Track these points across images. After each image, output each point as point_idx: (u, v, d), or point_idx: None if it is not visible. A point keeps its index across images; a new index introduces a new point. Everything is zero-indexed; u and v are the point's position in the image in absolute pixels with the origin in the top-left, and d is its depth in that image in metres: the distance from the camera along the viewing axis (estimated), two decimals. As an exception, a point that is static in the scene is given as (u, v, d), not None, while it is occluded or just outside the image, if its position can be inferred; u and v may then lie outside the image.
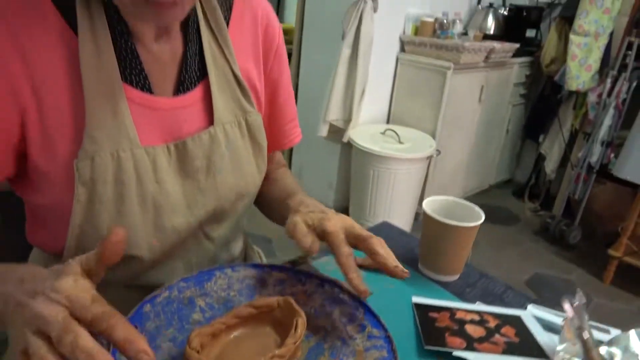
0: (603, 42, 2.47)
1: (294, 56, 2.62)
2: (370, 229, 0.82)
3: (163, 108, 0.57)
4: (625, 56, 2.38)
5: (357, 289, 0.54)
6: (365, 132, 2.40)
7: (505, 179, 3.32)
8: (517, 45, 2.63)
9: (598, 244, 2.34)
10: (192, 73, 0.60)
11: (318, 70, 2.48)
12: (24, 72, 0.49)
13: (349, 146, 2.38)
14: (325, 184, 2.66)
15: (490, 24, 2.79)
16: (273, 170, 0.79)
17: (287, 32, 2.23)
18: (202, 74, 0.61)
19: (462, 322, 0.61)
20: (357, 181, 2.41)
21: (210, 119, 0.61)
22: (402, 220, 2.43)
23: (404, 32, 2.52)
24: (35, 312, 0.37)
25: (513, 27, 2.85)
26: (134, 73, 0.55)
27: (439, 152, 2.42)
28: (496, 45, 2.48)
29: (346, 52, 2.25)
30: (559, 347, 0.52)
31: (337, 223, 0.57)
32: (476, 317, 0.62)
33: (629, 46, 2.36)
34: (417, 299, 0.66)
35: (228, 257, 0.73)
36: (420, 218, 2.64)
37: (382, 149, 2.22)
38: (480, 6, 2.86)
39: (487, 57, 2.49)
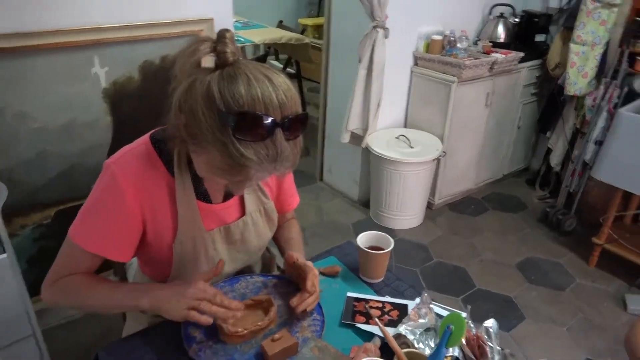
0: (599, 51, 2.73)
1: (322, 73, 3.07)
2: (338, 247, 1.33)
3: (216, 209, 1.07)
4: (619, 63, 2.63)
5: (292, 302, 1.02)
6: (381, 138, 2.84)
7: (522, 167, 3.63)
8: (522, 55, 2.92)
9: (590, 232, 2.67)
10: None
11: (343, 85, 2.92)
12: (147, 202, 0.98)
13: (367, 149, 2.83)
14: (351, 180, 3.14)
15: (500, 33, 3.08)
16: (283, 222, 1.29)
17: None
18: None
19: (370, 307, 1.10)
20: (374, 180, 2.87)
21: (243, 211, 1.12)
22: (414, 210, 2.88)
23: (416, 49, 2.89)
24: (195, 291, 0.90)
25: (523, 33, 3.13)
26: (201, 194, 1.04)
27: (444, 153, 2.82)
28: (499, 57, 2.80)
29: (362, 72, 2.67)
30: (403, 322, 1.00)
31: (309, 263, 1.08)
32: (380, 305, 1.11)
33: (621, 54, 2.61)
34: (350, 294, 1.15)
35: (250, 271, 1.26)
36: (434, 207, 3.08)
37: (393, 154, 2.66)
38: (491, 16, 3.15)
39: (491, 68, 2.82)
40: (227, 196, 1.08)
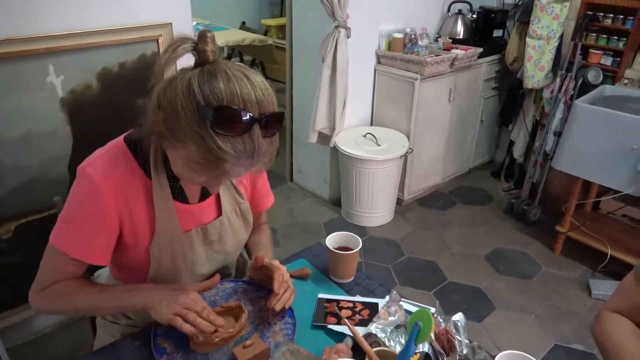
0: (554, 44, 2.82)
1: (287, 74, 3.07)
2: (307, 249, 1.33)
3: (193, 210, 1.06)
4: (573, 56, 2.73)
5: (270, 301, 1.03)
6: (349, 137, 2.86)
7: (487, 160, 3.72)
8: (480, 50, 2.99)
9: (554, 221, 2.76)
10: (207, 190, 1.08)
11: (308, 85, 2.92)
12: (124, 204, 0.95)
13: (336, 148, 2.84)
14: (322, 179, 3.15)
15: (460, 29, 3.15)
16: (256, 224, 1.28)
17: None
18: None
19: (340, 308, 1.10)
20: (344, 178, 2.89)
21: (219, 211, 1.11)
22: (384, 207, 2.91)
23: (378, 47, 2.92)
24: (186, 301, 0.92)
25: (481, 30, 3.20)
26: (178, 194, 1.03)
27: (411, 150, 2.86)
28: (459, 53, 2.86)
29: (326, 72, 2.68)
30: (374, 321, 1.01)
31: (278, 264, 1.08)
32: (350, 305, 1.12)
33: (575, 47, 2.70)
34: (321, 295, 1.15)
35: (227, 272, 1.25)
36: (403, 203, 3.12)
37: (361, 153, 2.68)
38: (450, 13, 3.21)
39: (452, 64, 2.87)
40: (203, 196, 1.08)
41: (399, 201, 3.10)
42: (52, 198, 1.35)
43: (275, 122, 0.83)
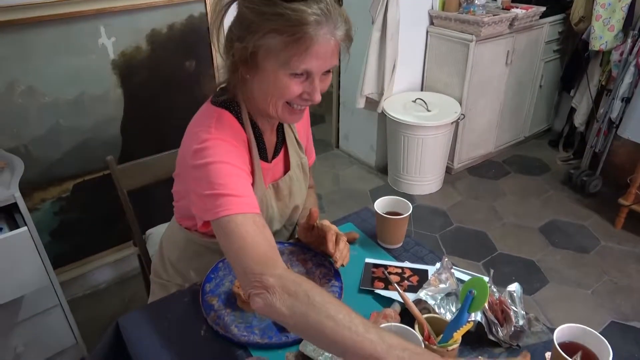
0: (626, 1, 2.57)
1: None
2: (355, 213, 1.30)
3: (269, 167, 1.07)
4: (648, 14, 2.49)
5: (335, 258, 1.03)
6: (397, 102, 2.77)
7: (544, 128, 3.52)
8: (543, 9, 2.78)
9: (616, 194, 2.59)
10: (279, 145, 1.10)
11: (357, 49, 2.81)
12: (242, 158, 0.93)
13: (384, 115, 2.76)
14: (368, 146, 3.09)
15: (521, -14, 2.93)
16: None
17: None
18: (282, 144, 1.11)
19: (389, 273, 1.07)
20: (392, 145, 2.82)
21: (287, 167, 1.12)
22: (433, 175, 2.83)
23: (432, 7, 2.78)
24: None
25: (545, -13, 2.97)
26: (262, 152, 1.03)
27: (463, 116, 2.74)
28: (519, 12, 2.67)
29: (376, 34, 2.58)
30: (424, 288, 0.97)
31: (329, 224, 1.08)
32: (399, 270, 1.08)
33: (652, 5, 2.46)
34: (368, 260, 1.13)
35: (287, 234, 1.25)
36: (453, 172, 3.02)
37: (410, 118, 2.59)
38: (511, -31, 2.99)
39: (511, 25, 2.69)
40: (276, 153, 1.10)
41: (448, 170, 3.00)
42: (105, 158, 1.38)
43: None
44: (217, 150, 0.88)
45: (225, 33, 0.90)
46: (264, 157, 1.05)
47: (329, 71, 0.90)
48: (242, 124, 0.98)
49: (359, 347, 0.68)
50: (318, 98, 0.91)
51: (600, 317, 2.02)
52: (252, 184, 0.99)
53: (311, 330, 0.72)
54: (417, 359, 0.67)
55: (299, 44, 0.81)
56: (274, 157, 1.09)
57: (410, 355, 0.67)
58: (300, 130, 1.16)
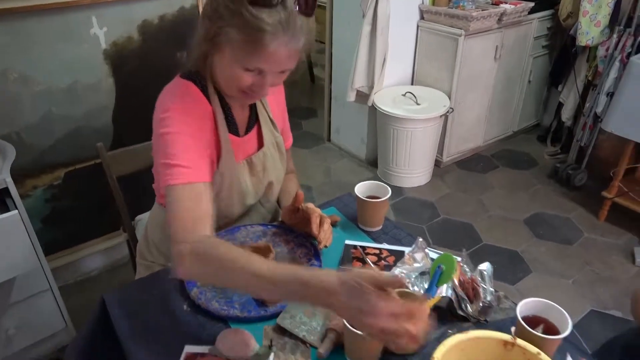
0: (612, -2, 2.62)
1: (327, 32, 3.02)
2: (338, 198, 1.34)
3: (240, 141, 1.10)
4: (634, 10, 2.53)
5: (319, 239, 1.07)
6: (387, 96, 2.81)
7: (533, 123, 3.57)
8: (532, 5, 2.82)
9: (600, 187, 2.64)
10: (252, 122, 1.13)
11: (348, 44, 2.86)
12: (203, 130, 0.98)
13: (374, 108, 2.80)
14: (359, 139, 3.13)
15: (510, -18, 2.97)
16: (286, 172, 1.30)
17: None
18: (255, 121, 1.14)
19: (367, 254, 1.11)
20: (381, 138, 2.86)
21: (261, 144, 1.15)
22: (422, 168, 2.87)
23: (422, 2, 2.82)
24: None
25: (533, -17, 3.01)
26: (232, 126, 1.07)
27: (452, 109, 2.78)
28: (507, 7, 2.72)
29: (367, 28, 2.62)
30: (398, 266, 1.02)
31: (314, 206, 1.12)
32: (377, 251, 1.13)
33: (636, 1, 2.51)
34: (348, 242, 1.17)
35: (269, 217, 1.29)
36: (442, 165, 3.07)
37: (399, 112, 2.63)
38: (500, -35, 3.03)
39: (500, 20, 2.73)
40: (248, 129, 1.13)
41: (437, 163, 3.05)
42: (96, 145, 1.41)
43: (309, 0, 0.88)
44: (175, 120, 0.93)
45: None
46: (234, 131, 1.08)
47: (284, 71, 0.94)
48: (207, 96, 1.01)
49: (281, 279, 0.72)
50: (265, 93, 0.97)
51: (580, 305, 2.07)
52: (219, 156, 1.04)
53: (229, 284, 0.86)
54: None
55: (254, 46, 0.86)
56: (247, 132, 1.12)
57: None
58: (274, 109, 1.19)
